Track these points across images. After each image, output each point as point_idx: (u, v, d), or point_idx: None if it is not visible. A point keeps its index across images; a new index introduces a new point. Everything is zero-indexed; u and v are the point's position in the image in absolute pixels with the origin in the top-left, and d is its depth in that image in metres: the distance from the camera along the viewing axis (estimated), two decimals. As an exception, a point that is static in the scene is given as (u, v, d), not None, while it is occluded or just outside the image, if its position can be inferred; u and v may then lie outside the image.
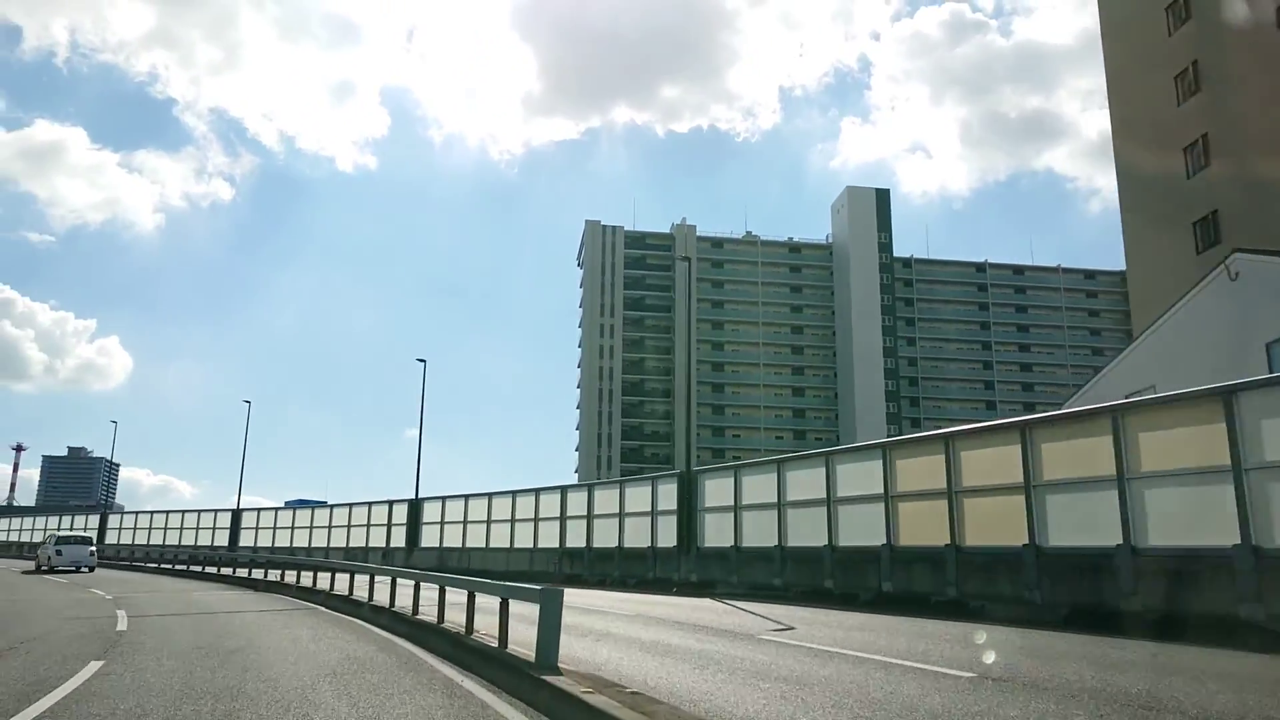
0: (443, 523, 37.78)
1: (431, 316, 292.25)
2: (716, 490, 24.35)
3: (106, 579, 30.82)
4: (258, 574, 28.34)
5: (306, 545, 45.09)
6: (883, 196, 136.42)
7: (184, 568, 34.57)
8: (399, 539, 40.06)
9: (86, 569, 36.82)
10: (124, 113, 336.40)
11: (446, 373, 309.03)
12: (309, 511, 46.12)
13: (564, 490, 31.90)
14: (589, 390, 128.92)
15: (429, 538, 38.68)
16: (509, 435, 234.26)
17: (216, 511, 52.69)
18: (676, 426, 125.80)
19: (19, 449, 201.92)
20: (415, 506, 39.85)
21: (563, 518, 31.07)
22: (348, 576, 19.00)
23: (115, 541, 58.21)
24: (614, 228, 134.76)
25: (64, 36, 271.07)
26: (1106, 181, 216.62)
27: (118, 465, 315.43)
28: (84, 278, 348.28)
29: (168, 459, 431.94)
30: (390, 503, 41.17)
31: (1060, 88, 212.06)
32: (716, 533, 24.00)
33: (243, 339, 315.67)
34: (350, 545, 42.41)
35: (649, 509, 26.78)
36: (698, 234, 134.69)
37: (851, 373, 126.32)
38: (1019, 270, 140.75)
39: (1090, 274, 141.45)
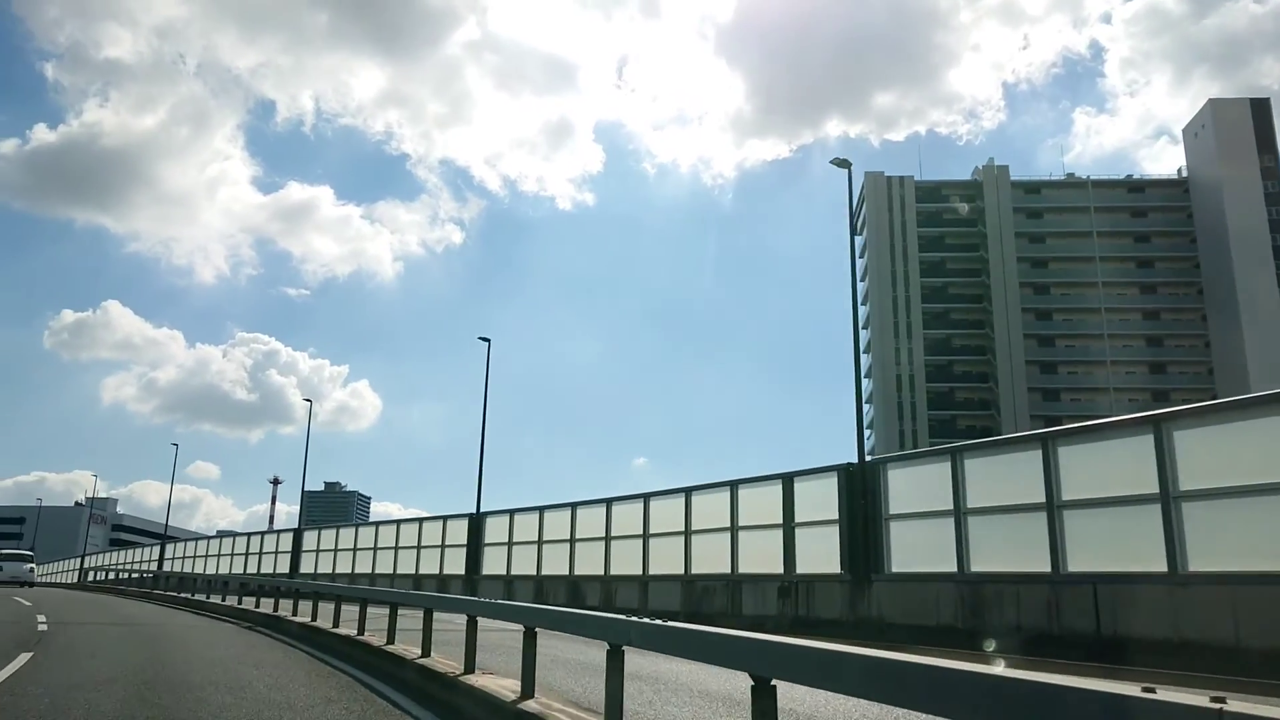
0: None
1: (654, 343, 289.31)
2: None
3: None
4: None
5: (601, 572, 23.84)
6: (1261, 109, 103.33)
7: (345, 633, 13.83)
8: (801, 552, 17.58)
9: (27, 584, 39.71)
10: (364, 169, 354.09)
11: (672, 399, 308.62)
12: (600, 508, 24.40)
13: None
14: (882, 359, 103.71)
15: (904, 555, 15.99)
16: (753, 456, 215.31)
17: (446, 519, 32.90)
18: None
19: (275, 482, 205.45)
20: (871, 475, 17.25)
21: None
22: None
23: (312, 570, 40.08)
24: (901, 178, 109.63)
25: (310, 105, 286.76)
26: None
27: (368, 498, 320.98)
28: (336, 326, 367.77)
29: (416, 493, 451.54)
30: (755, 481, 18.78)
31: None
32: None
33: (477, 375, 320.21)
34: (694, 572, 20.53)
35: None
36: (1010, 179, 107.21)
37: (1239, 332, 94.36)
38: None
39: None
